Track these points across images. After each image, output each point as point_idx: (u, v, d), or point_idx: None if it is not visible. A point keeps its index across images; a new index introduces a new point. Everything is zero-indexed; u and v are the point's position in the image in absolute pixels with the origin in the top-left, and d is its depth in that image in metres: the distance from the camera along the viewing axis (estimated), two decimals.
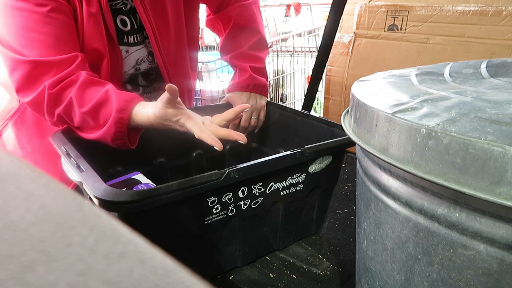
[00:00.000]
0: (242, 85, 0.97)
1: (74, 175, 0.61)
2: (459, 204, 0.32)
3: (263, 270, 0.71)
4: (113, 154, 0.81)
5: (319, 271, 0.70)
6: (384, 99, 0.40)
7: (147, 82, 0.95)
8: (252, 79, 0.97)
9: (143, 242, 0.09)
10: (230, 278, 0.69)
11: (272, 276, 0.69)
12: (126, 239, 0.09)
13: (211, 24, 1.05)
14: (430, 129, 0.31)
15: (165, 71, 0.89)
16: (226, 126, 0.74)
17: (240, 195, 0.62)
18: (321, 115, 1.67)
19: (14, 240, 0.08)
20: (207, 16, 1.05)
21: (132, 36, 0.84)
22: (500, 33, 1.19)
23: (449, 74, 0.47)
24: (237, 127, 0.97)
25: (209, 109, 0.97)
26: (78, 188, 0.69)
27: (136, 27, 0.84)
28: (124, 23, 0.83)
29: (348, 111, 0.50)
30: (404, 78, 0.48)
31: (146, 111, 0.67)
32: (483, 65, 0.49)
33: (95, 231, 0.09)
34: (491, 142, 0.28)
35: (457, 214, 0.32)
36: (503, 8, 1.18)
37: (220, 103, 1.01)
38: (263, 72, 1.01)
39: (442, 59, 1.24)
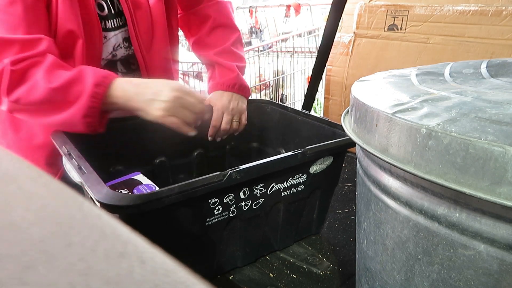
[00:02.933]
0: (228, 84, 0.93)
1: (75, 176, 0.61)
2: (459, 204, 0.32)
3: (263, 270, 0.71)
4: (114, 153, 0.81)
5: (319, 271, 0.70)
6: (384, 99, 0.40)
7: (127, 71, 0.92)
8: (239, 79, 0.94)
9: (143, 242, 0.09)
10: (230, 278, 0.69)
11: (272, 276, 0.69)
12: (126, 239, 0.09)
13: (182, 22, 1.02)
14: (431, 129, 0.31)
15: (141, 57, 0.87)
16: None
17: (242, 196, 0.62)
18: (321, 115, 1.67)
19: (15, 240, 0.08)
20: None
21: (109, 21, 0.83)
22: (500, 33, 1.19)
23: (449, 74, 0.47)
24: (217, 130, 0.93)
25: None
26: (64, 178, 0.68)
27: (113, 12, 0.83)
28: (101, 7, 0.81)
29: (348, 111, 0.50)
30: (404, 78, 0.48)
31: (126, 87, 0.67)
32: (483, 65, 0.49)
33: (95, 231, 0.09)
34: (491, 142, 0.28)
35: (457, 214, 0.32)
36: (503, 8, 1.18)
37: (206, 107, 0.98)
38: (244, 71, 0.99)
39: (442, 59, 1.24)
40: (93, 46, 0.79)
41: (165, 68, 0.95)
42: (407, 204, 0.37)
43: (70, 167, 0.63)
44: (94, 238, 0.08)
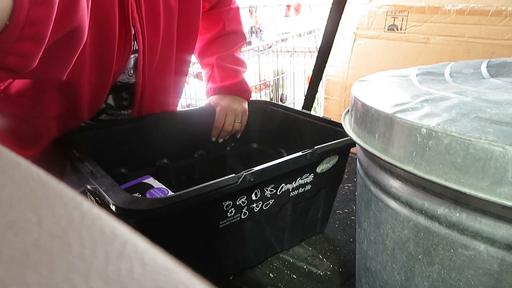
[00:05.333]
0: (232, 89, 0.94)
1: (87, 181, 0.59)
2: (459, 204, 0.32)
3: (263, 270, 0.71)
4: (116, 155, 0.81)
5: (319, 271, 0.70)
6: (384, 99, 0.40)
7: (116, 107, 0.83)
8: (244, 84, 0.95)
9: (143, 241, 0.09)
10: (230, 278, 0.69)
11: (272, 276, 0.69)
12: (125, 238, 0.08)
13: None
14: (431, 129, 0.31)
15: (141, 89, 0.80)
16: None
17: (253, 197, 0.62)
18: (322, 115, 1.67)
19: (15, 240, 0.08)
20: None
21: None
22: (500, 33, 1.19)
23: (450, 74, 0.47)
24: (220, 131, 0.95)
25: (193, 112, 0.96)
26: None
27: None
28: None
29: (348, 111, 0.50)
30: (405, 78, 0.47)
31: None
32: (484, 65, 0.49)
33: (94, 231, 0.08)
34: (491, 142, 0.28)
35: (458, 214, 0.32)
36: (503, 8, 1.18)
37: (204, 106, 0.97)
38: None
39: (442, 59, 1.24)
40: (122, 50, 0.71)
41: (163, 95, 0.88)
42: (408, 204, 0.37)
43: (78, 172, 0.62)
44: (93, 238, 0.08)
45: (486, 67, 0.48)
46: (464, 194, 0.29)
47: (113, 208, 0.49)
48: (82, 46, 0.56)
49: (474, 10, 1.24)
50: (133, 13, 0.71)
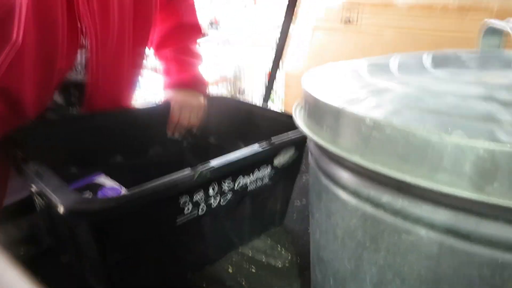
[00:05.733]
0: (187, 82, 0.92)
1: (32, 182, 0.55)
2: (402, 191, 0.33)
3: (222, 264, 0.70)
4: (65, 155, 0.77)
5: (278, 263, 0.71)
6: (332, 90, 0.40)
7: (64, 102, 0.81)
8: (200, 78, 0.94)
9: None
10: (189, 275, 0.68)
11: (231, 270, 0.69)
12: None
13: None
14: (374, 120, 0.32)
15: (90, 86, 0.78)
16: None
17: (211, 192, 0.61)
18: (281, 107, 1.68)
19: None
20: None
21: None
22: (447, 26, 1.24)
23: (395, 65, 0.49)
24: (176, 126, 0.94)
25: (147, 107, 0.94)
26: None
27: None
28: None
29: (299, 103, 0.50)
30: (353, 70, 0.48)
31: None
32: (427, 57, 0.51)
33: None
34: (429, 131, 0.29)
35: (401, 201, 0.33)
36: (450, 2, 1.23)
37: (159, 101, 0.95)
38: (201, 69, 0.98)
39: (395, 51, 1.28)
40: (71, 45, 0.68)
41: (116, 93, 0.86)
42: (355, 193, 0.37)
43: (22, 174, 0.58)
44: None
45: (429, 59, 0.50)
46: (405, 182, 0.30)
47: (61, 209, 0.47)
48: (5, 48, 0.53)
49: (423, 4, 1.29)
50: (80, 7, 0.67)
